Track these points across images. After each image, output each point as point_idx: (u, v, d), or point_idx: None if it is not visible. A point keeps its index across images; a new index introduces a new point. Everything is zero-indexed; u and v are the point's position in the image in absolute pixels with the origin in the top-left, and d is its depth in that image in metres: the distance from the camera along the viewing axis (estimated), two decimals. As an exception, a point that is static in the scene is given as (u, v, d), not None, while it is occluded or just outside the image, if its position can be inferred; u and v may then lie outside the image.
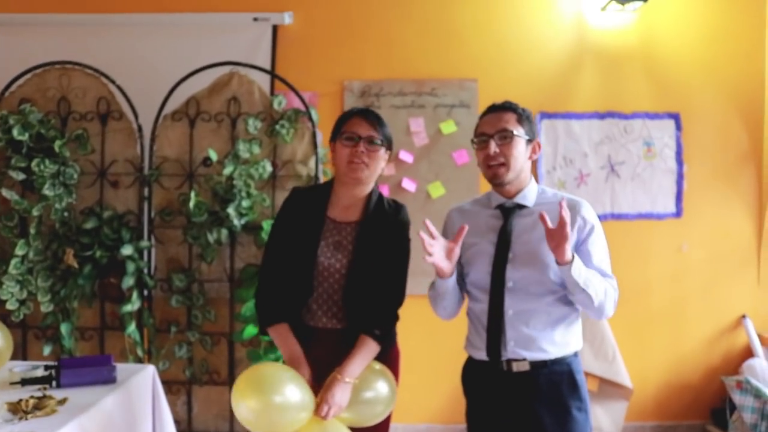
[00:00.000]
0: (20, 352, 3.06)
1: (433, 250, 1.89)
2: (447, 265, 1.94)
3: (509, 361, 1.97)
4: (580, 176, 3.70)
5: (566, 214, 1.82)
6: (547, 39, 3.72)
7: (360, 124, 2.10)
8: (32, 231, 2.89)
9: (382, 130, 2.11)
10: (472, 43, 3.72)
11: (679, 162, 3.71)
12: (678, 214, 3.72)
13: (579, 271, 1.86)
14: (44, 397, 1.87)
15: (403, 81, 3.71)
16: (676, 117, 3.70)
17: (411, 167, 3.71)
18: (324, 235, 2.12)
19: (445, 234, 2.14)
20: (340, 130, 2.13)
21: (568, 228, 1.82)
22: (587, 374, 3.51)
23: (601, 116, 3.70)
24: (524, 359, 1.96)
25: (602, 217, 3.69)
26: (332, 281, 2.09)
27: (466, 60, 3.72)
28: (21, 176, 2.88)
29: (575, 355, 2.04)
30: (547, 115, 3.71)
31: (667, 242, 3.74)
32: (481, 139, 2.03)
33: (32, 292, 2.90)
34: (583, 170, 3.71)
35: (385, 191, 3.70)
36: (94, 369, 2.01)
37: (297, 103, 3.09)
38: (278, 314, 2.10)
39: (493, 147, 1.98)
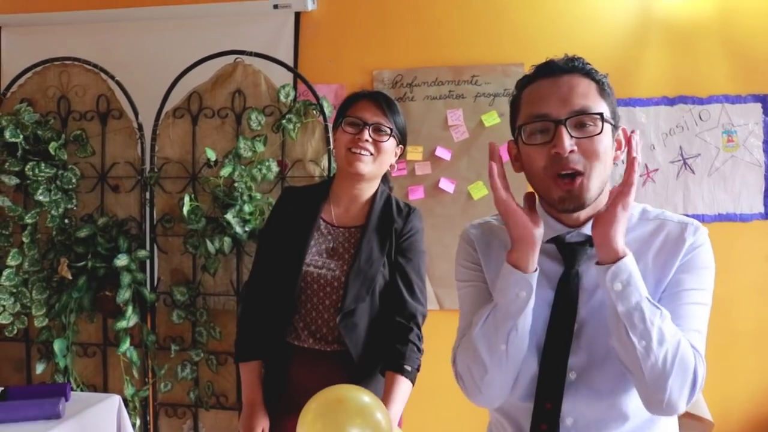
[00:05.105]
0: (25, 369, 2.89)
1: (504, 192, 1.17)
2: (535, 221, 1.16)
3: None
4: (646, 173, 3.18)
5: (635, 143, 1.13)
6: (604, 13, 3.21)
7: (367, 108, 1.80)
8: (25, 240, 2.70)
9: (394, 118, 1.81)
10: (517, 22, 3.26)
11: (769, 153, 3.13)
12: (767, 215, 3.13)
13: (623, 288, 1.10)
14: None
15: (439, 68, 3.31)
16: (763, 100, 3.11)
17: (449, 165, 3.30)
18: (315, 241, 1.81)
19: (467, 261, 1.32)
20: (343, 115, 1.84)
21: (632, 187, 1.10)
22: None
23: (671, 101, 3.16)
24: None
25: (673, 220, 3.15)
26: (322, 295, 1.77)
27: (511, 42, 3.27)
28: (14, 181, 2.70)
29: None
30: (606, 103, 3.20)
31: (754, 248, 3.14)
32: (537, 126, 1.16)
33: (27, 305, 2.72)
34: (649, 165, 3.18)
35: (420, 193, 3.31)
36: (35, 402, 1.74)
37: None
38: (256, 349, 1.85)
39: (568, 141, 1.12)
